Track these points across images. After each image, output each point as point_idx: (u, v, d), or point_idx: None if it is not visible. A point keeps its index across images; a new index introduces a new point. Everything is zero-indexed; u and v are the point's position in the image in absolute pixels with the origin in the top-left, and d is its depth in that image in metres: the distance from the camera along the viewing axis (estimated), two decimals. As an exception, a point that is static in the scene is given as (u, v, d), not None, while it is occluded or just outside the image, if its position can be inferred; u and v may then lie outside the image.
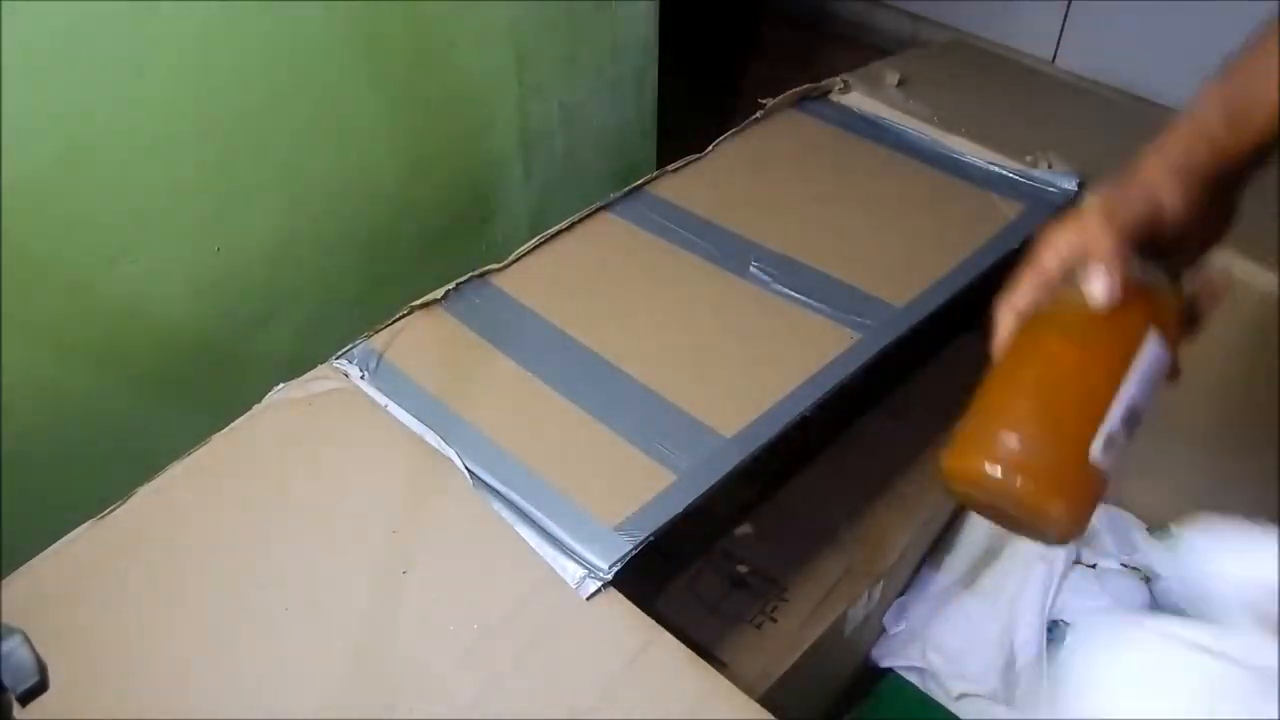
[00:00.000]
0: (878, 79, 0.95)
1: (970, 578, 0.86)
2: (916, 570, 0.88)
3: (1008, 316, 0.46)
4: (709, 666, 0.52)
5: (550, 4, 0.88)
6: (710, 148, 0.87)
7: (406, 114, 0.83)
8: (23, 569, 0.58)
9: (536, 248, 0.76)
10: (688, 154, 0.86)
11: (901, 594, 0.87)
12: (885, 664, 0.87)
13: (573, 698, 0.51)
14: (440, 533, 0.58)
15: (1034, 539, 0.44)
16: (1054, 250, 0.46)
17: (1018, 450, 0.40)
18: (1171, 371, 0.45)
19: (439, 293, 0.72)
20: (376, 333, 0.70)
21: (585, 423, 0.64)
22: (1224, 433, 0.80)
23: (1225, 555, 0.49)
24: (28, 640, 0.45)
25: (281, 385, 0.67)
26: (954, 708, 0.83)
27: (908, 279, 0.72)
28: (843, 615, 0.75)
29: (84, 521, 0.60)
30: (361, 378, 0.67)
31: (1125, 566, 0.83)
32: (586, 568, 0.56)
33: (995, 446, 0.41)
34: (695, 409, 0.64)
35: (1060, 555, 0.82)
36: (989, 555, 0.86)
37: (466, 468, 0.61)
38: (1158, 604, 0.80)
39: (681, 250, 0.76)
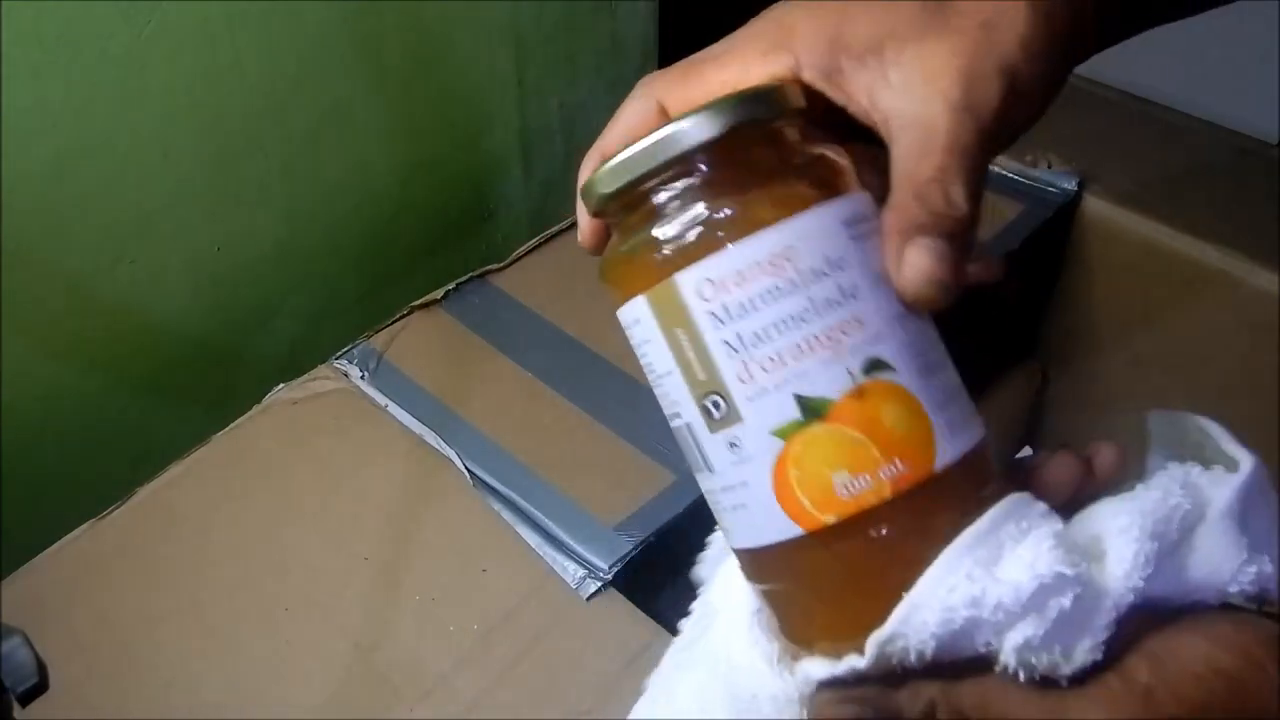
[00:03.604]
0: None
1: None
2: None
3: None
4: (709, 666, 0.52)
5: (550, 4, 0.88)
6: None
7: (406, 114, 0.83)
8: (23, 569, 0.58)
9: (536, 248, 0.76)
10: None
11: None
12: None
13: (573, 698, 0.51)
14: (440, 533, 0.58)
15: None
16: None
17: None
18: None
19: (439, 293, 0.72)
20: (376, 333, 0.70)
21: (585, 423, 0.63)
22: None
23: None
24: (28, 640, 0.45)
25: (281, 385, 0.67)
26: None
27: (908, 279, 0.72)
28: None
29: (84, 521, 0.60)
30: (361, 378, 0.67)
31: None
32: (586, 568, 0.56)
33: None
34: (695, 409, 0.64)
35: None
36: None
37: (466, 468, 0.61)
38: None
39: (681, 250, 0.76)
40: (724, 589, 0.31)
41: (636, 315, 0.28)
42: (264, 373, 0.69)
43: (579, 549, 0.57)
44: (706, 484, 0.29)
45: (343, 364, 0.68)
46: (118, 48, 0.62)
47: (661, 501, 0.58)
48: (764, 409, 0.26)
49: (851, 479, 0.26)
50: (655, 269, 0.27)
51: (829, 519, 0.26)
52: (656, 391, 0.29)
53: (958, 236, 0.27)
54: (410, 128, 0.84)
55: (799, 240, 0.26)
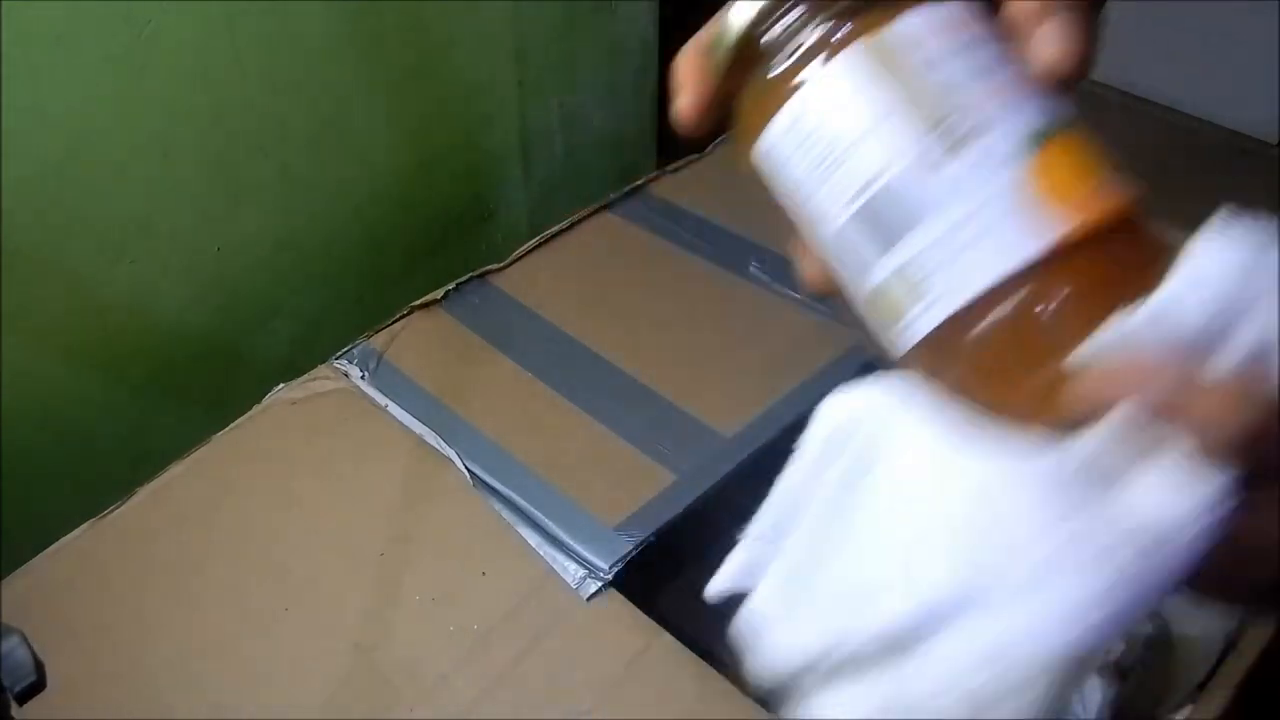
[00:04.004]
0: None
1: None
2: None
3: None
4: (709, 667, 0.52)
5: (550, 4, 0.88)
6: (711, 147, 0.87)
7: (406, 114, 0.83)
8: (23, 569, 0.58)
9: (536, 248, 0.76)
10: (688, 154, 0.86)
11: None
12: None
13: (572, 698, 0.51)
14: (440, 533, 0.58)
15: None
16: None
17: None
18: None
19: (439, 293, 0.72)
20: (376, 333, 0.70)
21: (585, 423, 0.63)
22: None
23: None
24: (26, 640, 0.45)
25: (281, 385, 0.67)
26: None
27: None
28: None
29: (84, 521, 0.60)
30: (361, 378, 0.67)
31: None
32: (587, 568, 0.56)
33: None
34: (695, 409, 0.64)
35: None
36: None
37: (466, 468, 0.61)
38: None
39: (681, 250, 0.76)
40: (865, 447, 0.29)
41: (835, 87, 0.28)
42: (264, 373, 0.69)
43: (579, 549, 0.57)
44: (914, 246, 0.27)
45: (343, 364, 0.68)
46: (118, 48, 0.62)
47: (661, 501, 0.59)
48: (1005, 124, 0.28)
49: (1095, 188, 0.28)
50: (858, 32, 0.28)
51: (1087, 218, 0.27)
52: (829, 182, 0.28)
53: (1080, 12, 0.29)
54: (410, 128, 0.84)
55: (963, 11, 0.28)
